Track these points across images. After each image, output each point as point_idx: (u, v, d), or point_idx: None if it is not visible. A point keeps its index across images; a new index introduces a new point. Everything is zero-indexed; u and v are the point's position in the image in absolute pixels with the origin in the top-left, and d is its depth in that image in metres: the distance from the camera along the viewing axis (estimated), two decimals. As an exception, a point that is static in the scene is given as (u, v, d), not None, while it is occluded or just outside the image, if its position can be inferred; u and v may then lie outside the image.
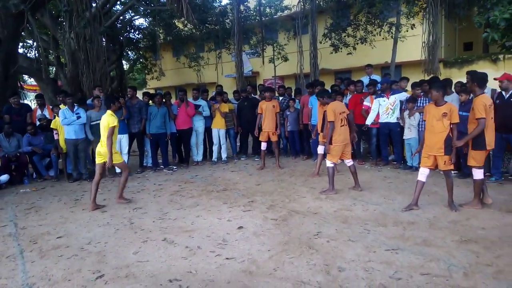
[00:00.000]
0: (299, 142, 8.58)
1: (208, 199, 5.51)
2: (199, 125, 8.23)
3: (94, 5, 9.93)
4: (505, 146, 5.59)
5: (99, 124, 7.18)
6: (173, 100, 8.63)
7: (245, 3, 16.46)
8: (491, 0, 12.19)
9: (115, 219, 4.80)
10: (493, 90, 5.68)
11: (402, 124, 6.87)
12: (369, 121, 7.28)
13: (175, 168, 8.01)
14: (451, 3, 12.28)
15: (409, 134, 6.71)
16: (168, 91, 9.04)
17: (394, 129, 7.01)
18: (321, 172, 6.63)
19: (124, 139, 7.43)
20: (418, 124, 6.61)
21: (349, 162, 5.58)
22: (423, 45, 9.77)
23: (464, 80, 6.73)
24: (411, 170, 6.72)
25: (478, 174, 4.48)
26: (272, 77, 19.04)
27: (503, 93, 5.44)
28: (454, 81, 6.93)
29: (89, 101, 7.71)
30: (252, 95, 9.12)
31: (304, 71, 13.33)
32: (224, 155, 8.51)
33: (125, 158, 7.59)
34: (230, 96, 9.48)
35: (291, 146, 8.90)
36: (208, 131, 8.44)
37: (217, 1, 17.50)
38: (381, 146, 7.41)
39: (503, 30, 12.70)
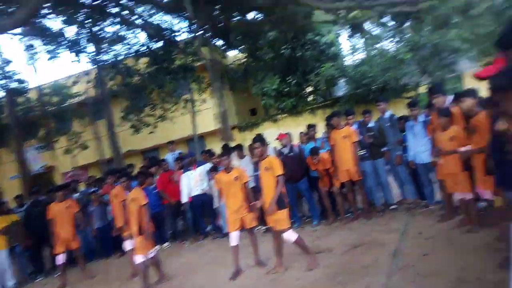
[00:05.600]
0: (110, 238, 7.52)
1: None
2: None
3: None
4: (297, 194, 6.35)
5: None
6: None
7: (24, 95, 14.54)
8: (260, 75, 14.92)
9: None
10: (275, 149, 6.48)
11: (211, 194, 6.98)
12: (185, 198, 7.11)
13: None
14: (231, 78, 14.28)
15: (217, 202, 6.83)
16: None
17: (205, 199, 7.04)
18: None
19: None
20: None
21: None
22: (215, 117, 10.70)
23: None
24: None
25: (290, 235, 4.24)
26: (73, 168, 17.09)
27: (284, 149, 6.26)
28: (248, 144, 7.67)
29: None
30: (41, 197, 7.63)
31: (108, 156, 12.50)
32: (10, 283, 6.55)
33: None
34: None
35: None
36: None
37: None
38: (198, 220, 7.29)
39: (275, 97, 15.66)
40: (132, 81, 13.42)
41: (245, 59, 15.72)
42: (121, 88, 14.04)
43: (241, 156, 6.94)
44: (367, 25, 13.25)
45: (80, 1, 8.80)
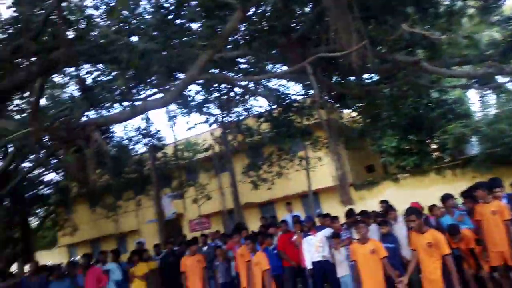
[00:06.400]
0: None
1: None
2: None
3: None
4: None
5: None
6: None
7: (162, 151, 16.86)
8: (377, 133, 14.48)
9: None
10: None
11: (332, 261, 6.72)
12: (308, 264, 6.99)
13: None
14: (346, 137, 14.13)
15: (341, 271, 6.50)
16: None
17: (327, 267, 6.80)
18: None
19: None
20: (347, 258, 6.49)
21: None
22: (333, 179, 10.55)
23: (374, 204, 7.12)
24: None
25: None
26: (198, 216, 18.64)
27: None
28: (367, 203, 7.25)
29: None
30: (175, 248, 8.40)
31: (228, 207, 13.34)
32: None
33: None
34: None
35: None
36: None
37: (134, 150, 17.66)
38: (319, 287, 7.03)
39: (395, 155, 14.87)
40: (252, 140, 14.40)
41: (361, 119, 15.52)
42: (242, 146, 15.18)
43: (367, 224, 6.60)
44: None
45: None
